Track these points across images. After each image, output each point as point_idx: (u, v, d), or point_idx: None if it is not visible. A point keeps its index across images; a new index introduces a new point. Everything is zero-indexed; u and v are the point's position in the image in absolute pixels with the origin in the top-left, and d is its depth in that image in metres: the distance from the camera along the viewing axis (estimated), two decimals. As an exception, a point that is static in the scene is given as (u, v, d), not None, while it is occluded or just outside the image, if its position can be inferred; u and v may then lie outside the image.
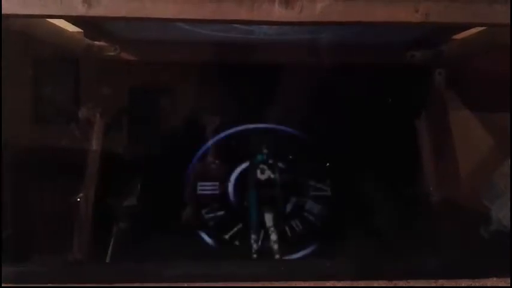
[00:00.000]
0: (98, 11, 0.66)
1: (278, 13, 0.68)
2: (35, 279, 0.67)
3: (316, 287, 0.64)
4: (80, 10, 0.66)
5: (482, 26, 0.82)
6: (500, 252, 0.78)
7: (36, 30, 0.84)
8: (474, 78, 0.95)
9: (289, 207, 0.96)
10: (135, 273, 0.71)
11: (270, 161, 0.97)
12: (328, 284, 0.66)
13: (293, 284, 0.65)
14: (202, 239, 0.93)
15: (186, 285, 0.66)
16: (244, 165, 0.99)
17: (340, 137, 1.01)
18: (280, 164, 0.98)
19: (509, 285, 0.67)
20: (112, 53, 0.99)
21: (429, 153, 1.03)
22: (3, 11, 0.63)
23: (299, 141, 1.00)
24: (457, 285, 0.66)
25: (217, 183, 0.99)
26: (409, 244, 0.89)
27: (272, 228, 0.89)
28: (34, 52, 0.89)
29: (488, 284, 0.67)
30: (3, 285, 0.64)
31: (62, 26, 0.90)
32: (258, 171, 0.97)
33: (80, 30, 0.95)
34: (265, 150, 0.99)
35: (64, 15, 0.76)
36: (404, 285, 0.65)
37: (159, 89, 1.05)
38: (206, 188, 0.99)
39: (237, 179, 0.98)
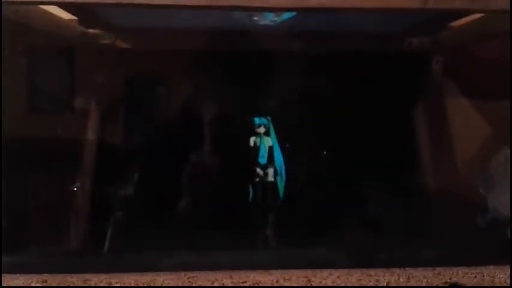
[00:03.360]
0: (92, -3, 0.65)
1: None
2: (31, 270, 0.67)
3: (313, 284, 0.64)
4: (74, -3, 0.66)
5: (480, 13, 0.82)
6: (497, 241, 0.78)
7: (29, 17, 0.83)
8: (472, 66, 0.95)
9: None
10: (133, 263, 0.72)
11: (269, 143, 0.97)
12: (324, 272, 0.66)
13: (290, 272, 0.66)
14: (200, 228, 0.93)
15: (183, 274, 0.66)
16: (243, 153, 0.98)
17: (335, 126, 1.00)
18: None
19: (506, 273, 0.67)
20: (107, 41, 0.98)
21: (426, 141, 1.03)
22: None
23: (295, 129, 1.00)
24: (455, 274, 0.66)
25: (215, 170, 0.99)
26: (405, 233, 0.89)
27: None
28: (28, 40, 0.88)
29: (486, 273, 0.67)
30: (10, 278, 0.65)
31: (56, 13, 0.89)
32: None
33: (74, 17, 0.94)
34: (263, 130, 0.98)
35: (58, 2, 0.76)
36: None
37: (155, 77, 1.04)
38: (205, 175, 0.99)
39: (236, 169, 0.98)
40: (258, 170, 0.95)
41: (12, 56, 0.84)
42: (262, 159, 0.95)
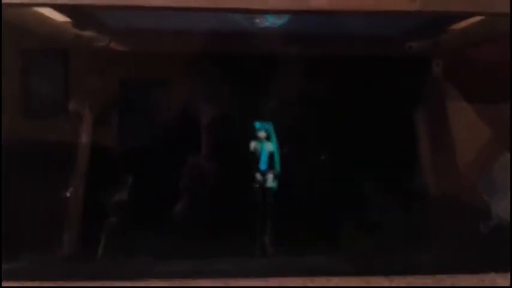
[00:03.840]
0: (85, -1, 0.65)
1: (272, 2, 0.67)
2: (24, 276, 0.67)
3: (311, 286, 0.64)
4: (67, -2, 0.65)
5: (480, 15, 0.82)
6: (498, 248, 0.77)
7: (23, 19, 0.82)
8: (472, 69, 0.95)
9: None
10: (127, 269, 0.71)
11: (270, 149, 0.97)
12: (322, 279, 0.65)
13: (287, 280, 0.65)
14: (196, 235, 0.92)
15: (177, 282, 0.65)
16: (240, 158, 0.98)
17: (337, 129, 1.00)
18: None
19: (507, 280, 0.66)
20: (102, 44, 0.98)
21: (426, 145, 1.03)
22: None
23: (294, 133, 0.99)
24: (456, 282, 0.66)
25: (213, 176, 0.99)
26: (406, 239, 0.88)
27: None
28: (21, 42, 0.87)
29: (486, 280, 0.66)
30: (3, 285, 0.65)
31: (49, 15, 0.88)
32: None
33: (68, 19, 0.94)
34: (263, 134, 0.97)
35: (52, 4, 0.76)
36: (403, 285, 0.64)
37: (150, 80, 1.04)
38: (202, 181, 0.99)
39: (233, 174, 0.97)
40: (258, 175, 0.94)
41: (5, 59, 0.84)
42: (263, 165, 0.94)
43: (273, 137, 0.95)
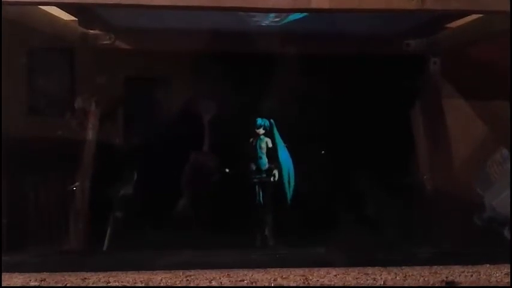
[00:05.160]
0: (92, -3, 0.66)
1: (274, 1, 0.68)
2: (30, 269, 0.68)
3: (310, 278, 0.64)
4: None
5: (478, 14, 0.82)
6: (494, 240, 0.79)
7: (29, 18, 0.83)
8: (468, 67, 0.96)
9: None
10: (131, 261, 0.72)
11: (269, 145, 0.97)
12: (322, 271, 0.66)
13: (287, 271, 0.66)
14: (198, 228, 0.93)
15: (181, 273, 0.66)
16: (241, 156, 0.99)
17: (335, 125, 1.01)
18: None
19: (502, 272, 0.67)
20: (107, 42, 0.99)
21: (423, 141, 1.03)
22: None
23: (294, 129, 1.00)
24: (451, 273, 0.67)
25: (213, 171, 1.00)
26: (403, 232, 0.89)
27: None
28: (28, 41, 0.88)
29: (482, 271, 0.67)
30: (9, 277, 0.65)
31: (56, 14, 0.90)
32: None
33: (74, 18, 0.95)
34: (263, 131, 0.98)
35: (57, 2, 0.77)
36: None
37: (155, 78, 1.05)
38: (203, 176, 1.00)
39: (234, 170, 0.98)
40: (257, 170, 0.95)
41: (12, 57, 0.85)
42: (261, 160, 0.95)
43: (276, 133, 0.96)
